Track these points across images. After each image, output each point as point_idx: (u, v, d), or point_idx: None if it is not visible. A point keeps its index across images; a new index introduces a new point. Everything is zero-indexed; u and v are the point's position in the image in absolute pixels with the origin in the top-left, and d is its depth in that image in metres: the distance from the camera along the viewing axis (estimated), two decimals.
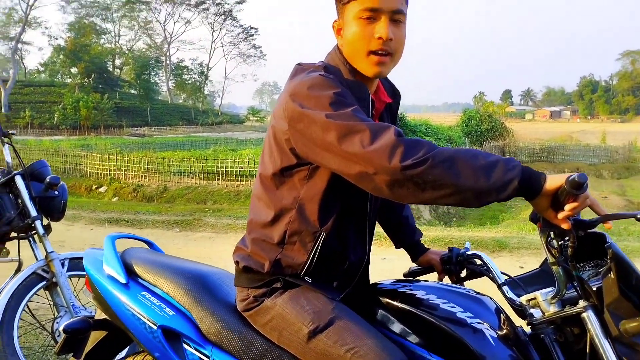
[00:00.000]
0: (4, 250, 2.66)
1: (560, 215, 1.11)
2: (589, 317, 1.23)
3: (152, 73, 58.84)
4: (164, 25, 64.72)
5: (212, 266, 1.72)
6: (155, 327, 1.47)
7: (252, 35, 68.59)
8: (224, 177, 14.58)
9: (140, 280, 1.60)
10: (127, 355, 1.77)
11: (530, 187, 1.10)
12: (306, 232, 1.32)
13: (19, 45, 54.81)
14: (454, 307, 1.29)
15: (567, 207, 1.09)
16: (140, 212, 8.56)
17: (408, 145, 1.11)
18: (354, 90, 1.29)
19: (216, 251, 5.95)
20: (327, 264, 1.35)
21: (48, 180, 2.60)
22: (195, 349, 1.45)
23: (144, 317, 1.50)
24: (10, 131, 2.71)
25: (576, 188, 1.04)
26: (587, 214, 1.20)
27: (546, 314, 1.29)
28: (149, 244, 1.94)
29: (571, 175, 1.05)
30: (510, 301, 1.39)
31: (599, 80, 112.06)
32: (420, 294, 1.34)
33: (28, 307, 2.58)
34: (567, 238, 1.19)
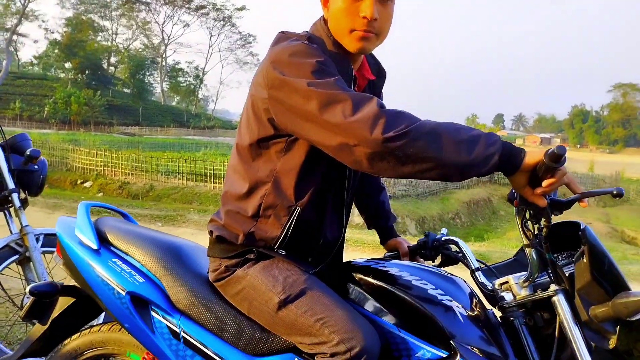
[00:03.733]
0: None
1: (538, 190, 1.11)
2: (560, 301, 1.23)
3: (147, 73, 58.77)
4: (162, 27, 64.78)
5: (184, 239, 1.70)
6: (123, 293, 1.45)
7: (250, 42, 68.89)
8: (212, 180, 14.50)
9: (112, 247, 1.57)
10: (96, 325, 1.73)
11: (510, 161, 1.10)
12: (281, 206, 1.30)
13: (14, 37, 54.44)
14: (426, 285, 1.28)
15: (545, 182, 1.09)
16: (124, 204, 8.48)
17: (390, 117, 1.09)
18: (337, 63, 1.27)
19: None
20: (302, 240, 1.34)
21: (28, 153, 2.56)
22: (163, 317, 1.43)
23: (113, 283, 1.47)
24: None
25: (555, 161, 1.04)
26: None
27: (517, 297, 1.29)
28: (124, 215, 1.91)
29: (550, 149, 1.05)
30: (482, 286, 1.39)
31: (590, 110, 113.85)
32: (393, 271, 1.34)
33: None
34: (542, 220, 1.19)
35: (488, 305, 1.38)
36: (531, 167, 1.09)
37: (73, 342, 1.65)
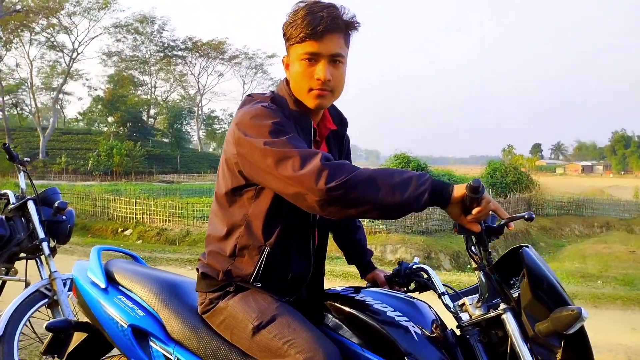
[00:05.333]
0: (13, 269, 2.87)
1: (468, 217, 1.25)
2: (508, 318, 1.33)
3: (184, 123, 60.91)
4: (198, 78, 67.55)
5: (184, 276, 1.88)
6: (126, 326, 1.62)
7: None
8: None
9: (118, 286, 1.76)
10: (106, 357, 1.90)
11: (440, 197, 1.25)
12: (252, 246, 1.48)
13: (60, 96, 57.86)
14: (385, 307, 1.41)
15: (474, 211, 1.23)
16: (156, 250, 8.78)
17: (332, 169, 1.26)
18: (298, 120, 1.47)
19: None
20: (272, 275, 1.50)
21: (56, 205, 2.83)
22: (160, 347, 1.59)
23: (117, 317, 1.65)
24: (25, 159, 2.97)
25: (474, 192, 1.19)
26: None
27: (473, 317, 1.40)
28: (134, 257, 2.11)
29: (468, 183, 1.20)
30: (447, 307, 1.50)
31: (632, 135, 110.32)
32: (359, 297, 1.47)
33: (30, 322, 2.74)
34: (485, 244, 1.32)
35: (453, 326, 1.49)
36: (459, 199, 1.24)
37: None
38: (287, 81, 1.55)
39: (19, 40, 49.09)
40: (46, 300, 2.78)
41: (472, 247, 1.33)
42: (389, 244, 13.95)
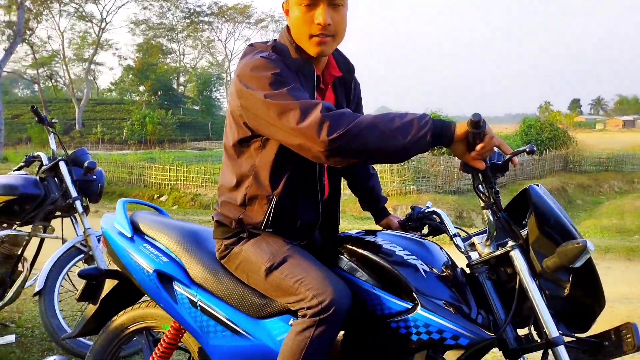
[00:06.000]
0: (50, 227, 3.02)
1: (472, 154, 1.25)
2: (516, 255, 1.34)
3: (214, 89, 61.11)
4: (225, 44, 67.69)
5: (204, 225, 1.95)
6: (151, 271, 1.71)
7: None
8: None
9: (143, 235, 1.85)
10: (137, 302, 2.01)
11: (442, 136, 1.26)
12: (261, 195, 1.52)
13: (92, 66, 58.76)
14: (395, 247, 1.44)
15: (477, 147, 1.23)
16: (189, 213, 9.03)
17: (333, 120, 1.27)
18: (300, 68, 1.47)
19: None
20: (281, 223, 1.54)
21: (86, 165, 2.95)
22: (184, 290, 1.68)
23: (143, 264, 1.74)
24: (54, 120, 3.08)
25: (475, 127, 1.19)
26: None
27: (482, 255, 1.42)
28: (157, 209, 2.20)
29: (470, 118, 1.20)
30: (458, 248, 1.52)
31: None
32: (370, 238, 1.51)
33: (68, 276, 2.91)
34: (491, 182, 1.32)
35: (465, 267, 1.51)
36: (462, 136, 1.24)
37: (119, 319, 1.94)
38: (288, 28, 1.54)
39: (49, 12, 49.76)
40: (82, 255, 2.93)
41: (479, 186, 1.34)
42: (420, 204, 13.95)
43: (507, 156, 1.28)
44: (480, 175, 1.33)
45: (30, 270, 2.95)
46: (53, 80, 60.15)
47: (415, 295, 1.35)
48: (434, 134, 1.24)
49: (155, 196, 17.83)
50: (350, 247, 1.51)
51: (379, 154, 1.28)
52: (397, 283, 1.39)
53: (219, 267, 1.66)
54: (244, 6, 61.50)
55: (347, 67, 1.65)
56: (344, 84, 1.65)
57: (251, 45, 1.55)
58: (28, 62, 53.56)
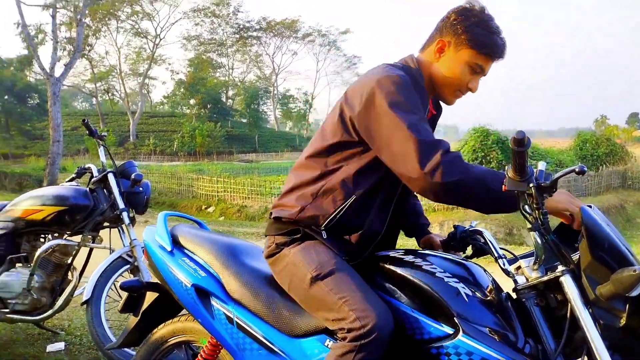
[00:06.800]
0: (98, 237, 3.11)
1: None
2: (566, 281, 1.26)
3: (261, 102, 62.07)
4: (273, 58, 68.50)
5: (244, 240, 1.94)
6: (189, 286, 1.72)
7: (355, 63, 70.06)
8: None
9: (183, 249, 1.86)
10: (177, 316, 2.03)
11: None
12: (340, 191, 1.50)
13: (146, 81, 61.05)
14: (435, 269, 1.38)
15: None
16: (234, 224, 9.14)
17: (449, 166, 1.32)
18: (422, 100, 1.49)
19: None
20: (347, 224, 1.51)
21: (133, 177, 3.02)
22: (221, 305, 1.67)
23: (182, 278, 1.75)
24: (103, 133, 3.19)
25: (518, 145, 1.12)
26: None
27: (529, 280, 1.34)
28: (198, 223, 2.21)
29: (512, 136, 1.14)
30: (504, 272, 1.44)
31: None
32: (408, 258, 1.45)
33: (114, 285, 2.98)
34: (537, 202, 1.24)
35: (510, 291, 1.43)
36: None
37: (159, 332, 1.95)
38: (417, 61, 1.57)
39: (107, 29, 52.22)
40: (128, 265, 3.00)
41: (526, 206, 1.26)
42: (467, 219, 13.57)
43: (555, 176, 1.20)
44: (526, 195, 1.25)
45: (80, 279, 3.04)
46: (110, 94, 62.83)
47: (456, 321, 1.29)
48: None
49: (203, 207, 18.19)
50: (389, 266, 1.46)
51: (475, 207, 1.39)
52: (437, 307, 1.33)
53: (257, 282, 1.64)
54: (291, 21, 62.56)
55: (439, 108, 1.68)
56: (433, 122, 1.68)
57: (387, 64, 1.56)
58: (87, 76, 56.30)
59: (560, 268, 1.27)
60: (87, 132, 3.11)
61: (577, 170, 1.17)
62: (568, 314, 1.25)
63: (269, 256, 1.60)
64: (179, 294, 1.76)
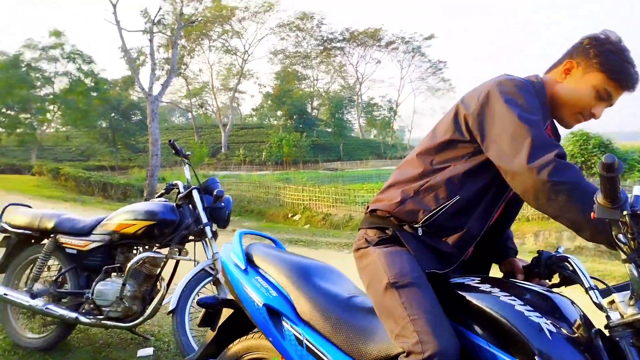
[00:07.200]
0: (184, 250, 3.26)
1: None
2: None
3: (345, 112, 62.71)
4: (356, 67, 68.99)
5: (318, 261, 1.93)
6: (261, 305, 1.73)
7: (441, 69, 68.58)
8: None
9: (256, 267, 1.88)
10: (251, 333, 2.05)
11: None
12: (444, 189, 1.46)
13: (236, 95, 63.97)
14: (514, 301, 1.27)
15: None
16: (317, 234, 9.21)
17: (561, 166, 1.26)
18: (542, 110, 1.44)
19: None
20: (447, 224, 1.47)
21: (215, 193, 3.14)
22: (291, 326, 1.66)
23: (255, 297, 1.77)
24: (188, 153, 3.34)
25: (608, 170, 1.00)
26: None
27: (624, 316, 1.19)
28: (273, 240, 2.23)
29: (600, 161, 1.02)
30: (596, 305, 1.30)
31: None
32: (484, 287, 1.35)
33: (198, 296, 3.09)
34: (633, 231, 1.11)
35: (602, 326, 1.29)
36: None
37: (234, 347, 1.98)
38: (541, 81, 1.52)
39: (200, 48, 55.42)
40: (210, 278, 3.11)
41: (620, 235, 1.13)
42: (564, 231, 12.67)
43: None
44: (620, 223, 1.12)
45: (167, 289, 3.20)
46: (203, 109, 66.52)
47: (537, 359, 1.17)
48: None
49: (290, 215, 18.60)
50: (463, 294, 1.37)
51: (570, 223, 1.28)
52: (516, 343, 1.22)
53: (328, 304, 1.62)
54: (374, 30, 62.65)
55: (557, 134, 1.60)
56: None
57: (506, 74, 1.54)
58: (183, 93, 60.19)
59: None
60: (174, 151, 3.28)
61: None
62: None
63: (356, 249, 1.59)
64: (252, 313, 1.77)
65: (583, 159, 16.82)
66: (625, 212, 1.06)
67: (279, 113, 60.38)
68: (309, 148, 50.41)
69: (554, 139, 1.37)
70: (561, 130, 1.59)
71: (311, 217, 17.56)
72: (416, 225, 1.47)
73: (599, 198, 1.10)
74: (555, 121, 1.56)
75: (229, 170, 42.55)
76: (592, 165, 16.52)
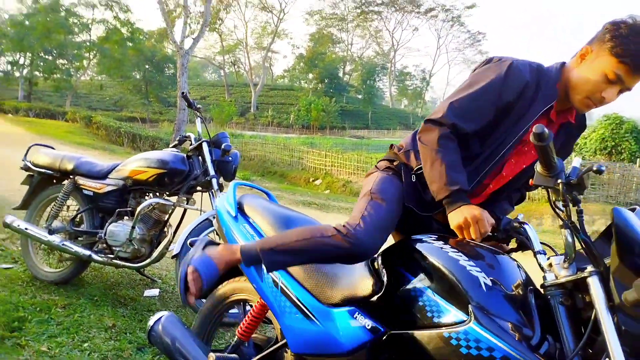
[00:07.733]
0: (192, 199, 3.43)
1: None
2: (593, 282, 1.21)
3: (377, 79, 61.85)
4: (392, 34, 67.60)
5: (303, 214, 2.06)
6: None
7: (479, 40, 66.69)
8: None
9: (245, 216, 2.03)
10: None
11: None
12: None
13: (269, 54, 63.58)
14: (460, 256, 1.39)
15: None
16: (331, 198, 9.35)
17: (427, 132, 1.62)
18: (548, 90, 1.54)
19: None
20: None
21: (223, 147, 3.28)
22: None
23: (241, 242, 1.92)
24: (198, 106, 3.47)
25: (539, 140, 1.09)
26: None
27: (558, 277, 1.30)
28: (267, 194, 2.38)
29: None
30: (540, 267, 1.40)
31: None
32: (438, 243, 1.47)
33: None
34: (566, 199, 1.20)
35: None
36: None
37: (223, 289, 2.15)
38: (562, 67, 1.59)
39: (236, 3, 54.97)
40: (213, 227, 3.28)
41: (557, 202, 1.22)
42: (586, 214, 12.52)
43: (582, 172, 1.15)
44: (555, 190, 1.21)
45: (174, 236, 3.39)
46: (236, 67, 66.46)
47: (470, 308, 1.29)
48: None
49: (311, 179, 18.74)
50: (419, 249, 1.49)
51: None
52: (455, 293, 1.34)
53: None
54: None
55: (580, 122, 1.68)
56: (568, 132, 1.69)
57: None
58: (217, 49, 60.01)
59: (589, 269, 1.22)
60: (186, 104, 3.41)
61: (594, 169, 1.10)
62: (592, 317, 1.20)
63: (368, 175, 1.85)
64: None
65: (614, 142, 16.35)
66: (559, 181, 1.15)
67: (310, 76, 59.93)
68: (337, 114, 50.08)
69: (475, 114, 1.56)
70: (594, 113, 1.66)
71: (332, 183, 17.68)
72: (412, 173, 1.70)
73: (537, 167, 1.19)
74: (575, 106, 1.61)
75: (256, 131, 42.79)
76: (622, 151, 16.06)
